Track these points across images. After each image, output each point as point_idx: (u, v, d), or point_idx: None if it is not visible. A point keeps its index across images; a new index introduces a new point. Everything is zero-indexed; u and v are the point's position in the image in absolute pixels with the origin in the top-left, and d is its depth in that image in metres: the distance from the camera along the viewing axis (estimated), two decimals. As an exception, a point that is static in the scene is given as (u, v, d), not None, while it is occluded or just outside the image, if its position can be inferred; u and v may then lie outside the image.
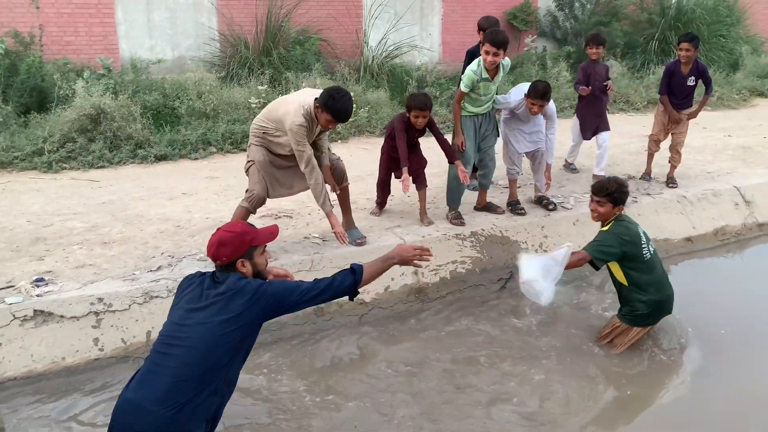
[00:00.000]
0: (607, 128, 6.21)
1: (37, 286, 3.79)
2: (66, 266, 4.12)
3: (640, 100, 10.38)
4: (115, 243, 4.57)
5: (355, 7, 10.47)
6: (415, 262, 2.72)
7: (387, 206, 5.37)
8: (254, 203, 4.30)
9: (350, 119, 4.03)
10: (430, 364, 3.74)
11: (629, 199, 5.61)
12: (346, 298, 2.69)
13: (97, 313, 3.67)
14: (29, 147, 6.55)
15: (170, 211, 5.22)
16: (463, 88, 4.88)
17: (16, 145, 6.58)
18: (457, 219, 5.07)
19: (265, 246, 2.67)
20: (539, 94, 4.88)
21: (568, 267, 3.67)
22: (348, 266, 2.67)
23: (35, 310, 3.56)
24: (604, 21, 11.75)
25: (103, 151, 6.69)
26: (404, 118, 4.83)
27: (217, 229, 2.61)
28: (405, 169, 4.67)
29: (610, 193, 3.77)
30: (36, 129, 6.90)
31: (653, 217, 5.58)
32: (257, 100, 7.90)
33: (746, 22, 13.46)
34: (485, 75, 4.80)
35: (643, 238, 3.79)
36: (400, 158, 4.72)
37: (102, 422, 3.13)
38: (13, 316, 3.50)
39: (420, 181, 5.07)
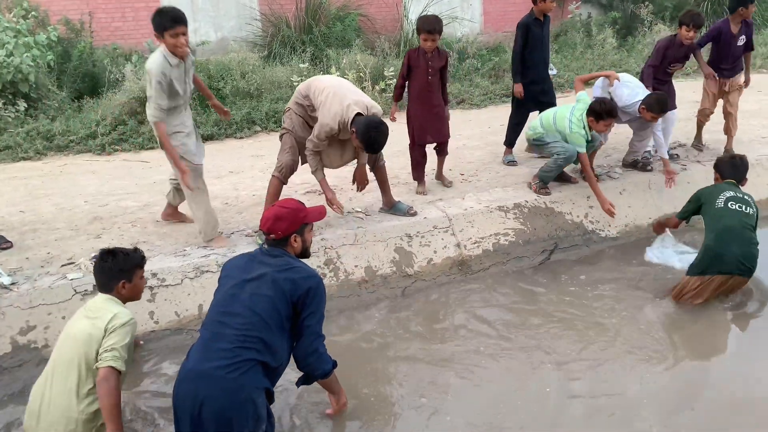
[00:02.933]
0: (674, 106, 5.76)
1: (96, 263, 3.98)
2: (121, 243, 4.31)
3: (690, 65, 9.95)
4: (166, 221, 4.73)
5: (394, -20, 10.37)
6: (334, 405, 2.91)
7: (428, 177, 5.32)
8: (284, 173, 4.33)
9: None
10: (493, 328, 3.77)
11: (679, 166, 5.51)
12: None
13: (151, 288, 3.83)
14: (83, 131, 6.82)
15: (218, 189, 5.36)
16: (583, 150, 4.82)
17: (71, 129, 6.86)
18: (543, 189, 5.05)
19: (313, 224, 2.83)
20: (661, 108, 4.92)
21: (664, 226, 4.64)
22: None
23: (94, 285, 3.74)
24: (653, -17, 11.29)
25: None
26: (411, 52, 4.89)
27: (273, 205, 2.76)
28: (394, 105, 5.03)
29: (715, 163, 4.37)
30: (89, 113, 7.17)
31: (704, 184, 5.37)
32: (299, 78, 7.97)
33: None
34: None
35: (725, 196, 4.03)
36: (394, 89, 5.02)
37: (161, 390, 3.30)
38: (75, 290, 3.70)
39: (441, 149, 5.16)
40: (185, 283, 3.93)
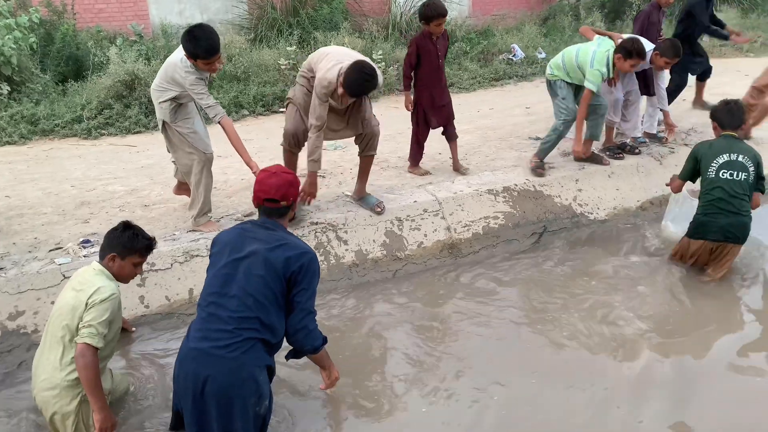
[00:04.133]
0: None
1: (84, 247, 3.95)
2: (110, 228, 4.26)
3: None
4: (155, 205, 4.70)
5: (382, -38, 10.28)
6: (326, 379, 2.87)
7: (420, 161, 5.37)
8: (289, 141, 4.27)
9: (373, 89, 3.84)
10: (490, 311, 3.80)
11: (666, 150, 5.55)
12: None
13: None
14: (69, 114, 6.73)
15: (206, 174, 5.31)
16: (594, 88, 4.79)
17: (56, 113, 6.76)
18: (540, 169, 5.09)
19: None
20: (675, 52, 5.02)
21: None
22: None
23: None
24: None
25: (139, 117, 6.83)
26: (418, 39, 4.88)
27: (271, 173, 2.65)
28: (406, 93, 5.03)
29: (712, 114, 4.19)
30: (74, 97, 7.07)
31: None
32: (287, 61, 7.91)
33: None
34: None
35: (719, 160, 3.97)
36: (404, 78, 4.99)
37: (152, 373, 3.30)
38: (63, 275, 3.67)
39: (450, 132, 5.14)
40: (175, 268, 3.91)
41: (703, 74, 6.86)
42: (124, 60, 7.07)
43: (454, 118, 5.19)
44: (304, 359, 2.80)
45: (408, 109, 5.10)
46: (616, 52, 4.76)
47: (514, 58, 9.35)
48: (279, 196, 2.61)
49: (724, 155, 3.97)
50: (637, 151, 5.54)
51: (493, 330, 3.65)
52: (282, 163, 4.32)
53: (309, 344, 2.62)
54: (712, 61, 6.97)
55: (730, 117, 4.09)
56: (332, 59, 3.88)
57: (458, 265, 4.40)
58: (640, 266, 4.32)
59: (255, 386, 2.43)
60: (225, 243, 2.60)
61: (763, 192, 4.08)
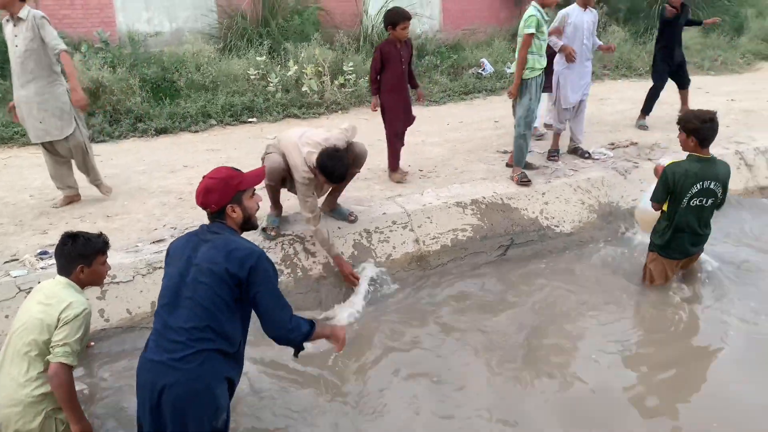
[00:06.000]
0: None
1: (41, 259, 3.83)
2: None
3: (643, 66, 10.27)
4: (118, 216, 4.59)
5: (353, -26, 10.32)
6: (336, 344, 2.77)
7: (387, 173, 5.41)
8: (274, 178, 4.05)
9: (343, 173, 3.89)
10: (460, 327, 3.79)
11: (630, 164, 5.68)
12: None
13: (101, 285, 3.70)
14: (29, 122, 6.53)
15: (172, 184, 5.23)
16: (530, 30, 4.85)
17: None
18: (525, 181, 5.15)
19: (254, 189, 2.64)
20: None
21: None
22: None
23: (39, 283, 3.60)
24: (607, -15, 11.56)
25: (104, 125, 6.70)
26: (382, 46, 4.95)
27: (203, 177, 2.58)
28: (375, 97, 5.08)
29: (681, 121, 3.92)
30: (35, 104, 6.87)
31: (655, 182, 5.55)
32: (256, 71, 7.86)
33: (752, -16, 13.24)
34: (546, 17, 4.91)
35: (695, 190, 3.85)
36: (371, 84, 5.07)
37: (112, 385, 3.20)
38: (18, 288, 3.54)
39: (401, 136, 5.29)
40: (137, 280, 3.81)
41: (682, 84, 7.12)
42: (88, 67, 6.93)
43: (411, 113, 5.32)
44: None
45: (373, 110, 5.19)
46: None
47: (483, 73, 9.46)
48: (199, 204, 2.55)
49: (698, 184, 3.84)
50: (587, 155, 5.80)
51: (462, 342, 3.64)
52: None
53: (298, 339, 2.54)
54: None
55: (712, 134, 3.83)
56: (296, 155, 3.89)
57: (426, 277, 4.40)
58: (605, 279, 4.37)
59: (211, 399, 2.36)
60: (176, 249, 2.55)
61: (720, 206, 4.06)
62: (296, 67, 7.99)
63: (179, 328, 2.36)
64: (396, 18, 4.87)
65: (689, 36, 11.08)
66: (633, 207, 5.32)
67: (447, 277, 4.39)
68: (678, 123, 3.94)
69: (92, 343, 3.51)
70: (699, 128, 3.79)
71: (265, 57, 8.26)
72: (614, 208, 5.31)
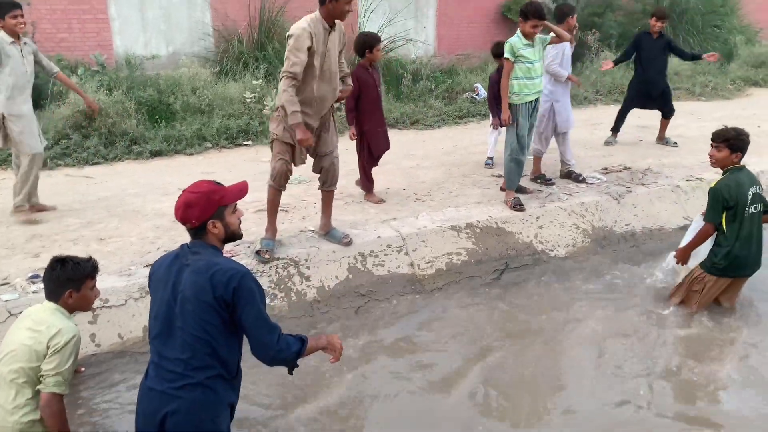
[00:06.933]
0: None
1: (33, 283, 3.79)
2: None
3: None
4: (111, 239, 4.57)
5: (349, 0, 10.44)
6: (332, 353, 2.64)
7: (382, 196, 5.44)
8: (278, 180, 4.19)
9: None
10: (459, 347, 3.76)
11: (624, 189, 5.72)
12: None
13: (93, 309, 3.67)
14: (24, 144, 6.52)
15: (166, 207, 5.21)
16: (508, 54, 4.97)
17: (10, 143, 6.55)
18: (519, 206, 5.18)
19: (236, 204, 2.52)
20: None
21: (698, 244, 4.11)
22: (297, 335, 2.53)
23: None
24: (598, 11, 11.75)
25: (98, 148, 6.69)
26: (357, 72, 4.96)
27: (183, 191, 2.45)
28: (352, 127, 5.17)
29: (727, 139, 3.96)
30: (30, 126, 6.87)
31: (648, 207, 5.60)
32: (252, 95, 7.90)
33: (740, 12, 13.47)
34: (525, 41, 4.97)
35: (750, 196, 3.93)
36: (348, 113, 5.14)
37: (104, 411, 3.14)
38: (9, 312, 3.50)
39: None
40: (129, 304, 3.78)
41: (667, 113, 7.26)
42: (84, 90, 6.94)
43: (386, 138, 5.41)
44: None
45: (352, 139, 5.24)
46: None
47: (477, 97, 9.55)
48: (179, 219, 2.42)
49: (751, 190, 3.94)
50: (581, 178, 5.86)
51: (456, 367, 3.61)
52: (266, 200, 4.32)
53: (290, 358, 2.43)
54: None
55: (747, 144, 4.02)
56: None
57: (421, 301, 4.37)
58: (603, 303, 4.36)
59: (212, 426, 2.32)
60: (158, 276, 2.43)
61: None
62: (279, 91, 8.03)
63: (176, 359, 2.30)
64: (373, 41, 5.08)
65: (680, 63, 11.25)
66: (627, 231, 5.36)
67: (441, 302, 4.37)
68: (722, 141, 4.00)
69: (83, 369, 3.46)
70: (746, 143, 4.00)
71: (261, 80, 8.31)
72: (608, 233, 5.32)
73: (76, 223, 4.85)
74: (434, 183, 5.94)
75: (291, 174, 4.26)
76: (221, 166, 6.50)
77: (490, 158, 6.52)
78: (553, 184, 5.81)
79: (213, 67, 9.05)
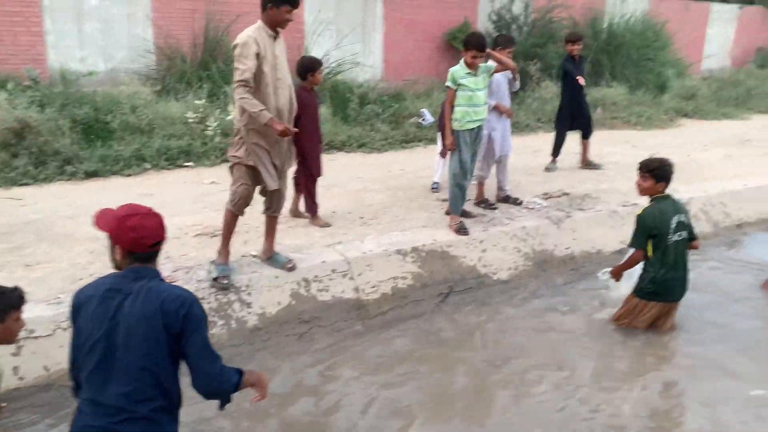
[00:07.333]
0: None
1: (-50, 312, 3.52)
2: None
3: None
4: (40, 265, 4.32)
5: (295, 23, 10.44)
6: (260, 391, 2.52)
7: (328, 220, 5.38)
8: (238, 205, 4.07)
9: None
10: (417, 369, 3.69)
11: (563, 214, 5.86)
12: None
13: (17, 340, 3.43)
14: (-54, 162, 6.16)
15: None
16: (449, 82, 5.10)
17: (-70, 161, 6.17)
18: (463, 230, 5.22)
19: None
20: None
21: (629, 267, 4.31)
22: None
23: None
24: (540, 42, 12.15)
25: (28, 168, 6.36)
26: (300, 93, 4.79)
27: (143, 213, 2.32)
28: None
29: (651, 169, 4.17)
30: (-47, 143, 6.50)
31: (586, 231, 5.75)
32: (195, 115, 7.73)
33: (672, 47, 14.23)
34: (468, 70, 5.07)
35: (673, 225, 4.10)
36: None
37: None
38: None
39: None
40: (57, 334, 3.56)
41: (588, 133, 7.63)
42: (14, 106, 6.63)
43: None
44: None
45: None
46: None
47: (423, 122, 9.66)
48: (154, 240, 2.31)
49: (675, 218, 4.11)
50: (519, 201, 6.06)
51: (401, 396, 3.56)
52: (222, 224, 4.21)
53: (230, 390, 2.34)
54: (603, 133, 7.56)
55: (671, 174, 4.22)
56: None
57: (365, 326, 4.32)
58: (543, 326, 4.42)
59: None
60: (91, 309, 2.23)
61: (696, 238, 4.30)
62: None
63: (117, 394, 2.16)
64: (315, 65, 5.15)
65: (617, 92, 11.77)
66: (567, 255, 5.48)
67: (386, 328, 4.33)
68: (647, 171, 4.19)
69: (4, 404, 3.23)
70: (670, 173, 4.20)
71: (204, 100, 8.14)
72: (548, 256, 5.43)
73: (1, 248, 4.57)
74: (381, 206, 5.93)
75: (252, 198, 4.15)
76: (161, 187, 6.30)
77: (437, 182, 6.58)
78: (496, 208, 5.91)
79: (154, 86, 8.82)
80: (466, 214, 5.55)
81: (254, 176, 4.06)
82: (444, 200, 6.03)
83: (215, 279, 4.10)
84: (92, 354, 2.20)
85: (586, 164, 7.75)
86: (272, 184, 4.08)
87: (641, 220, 4.14)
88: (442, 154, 6.32)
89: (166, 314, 2.19)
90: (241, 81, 3.81)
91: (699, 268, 5.17)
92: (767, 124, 11.92)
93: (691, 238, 4.24)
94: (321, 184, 5.36)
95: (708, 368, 3.91)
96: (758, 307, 4.81)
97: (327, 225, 5.29)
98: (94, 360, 2.20)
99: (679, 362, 4.05)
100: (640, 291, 4.25)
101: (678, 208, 4.21)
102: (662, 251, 4.12)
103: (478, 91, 5.08)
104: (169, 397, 2.25)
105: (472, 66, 5.03)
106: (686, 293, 4.29)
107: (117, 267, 2.34)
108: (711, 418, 3.44)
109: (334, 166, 7.47)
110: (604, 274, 4.57)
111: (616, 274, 4.40)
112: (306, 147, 5.07)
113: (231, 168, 4.14)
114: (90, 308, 2.23)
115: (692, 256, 4.37)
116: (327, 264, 4.55)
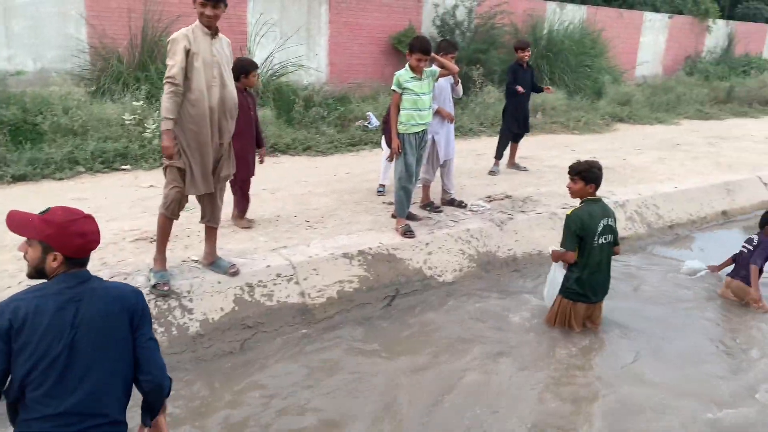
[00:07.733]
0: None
1: None
2: None
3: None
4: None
5: (238, 24, 10.26)
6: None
7: (273, 224, 5.26)
8: (171, 208, 3.94)
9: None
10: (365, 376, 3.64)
11: (506, 216, 5.96)
12: None
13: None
14: None
15: (29, 236, 4.72)
16: (394, 86, 5.12)
17: None
18: (409, 233, 5.22)
19: None
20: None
21: (560, 259, 4.36)
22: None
23: None
24: (482, 48, 12.36)
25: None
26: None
27: (83, 216, 2.22)
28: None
29: (579, 171, 4.24)
30: None
31: (528, 233, 5.87)
32: (132, 117, 7.46)
33: (608, 55, 14.77)
34: (413, 74, 5.08)
35: (600, 228, 4.20)
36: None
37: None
38: None
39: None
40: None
41: (516, 137, 7.87)
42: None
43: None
44: None
45: None
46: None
47: (369, 126, 9.66)
48: (96, 245, 2.25)
49: (602, 222, 4.21)
50: (463, 204, 6.13)
51: (350, 402, 3.52)
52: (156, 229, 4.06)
53: (169, 384, 2.27)
54: (543, 137, 7.76)
55: (600, 176, 4.29)
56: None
57: (311, 331, 4.25)
58: (484, 327, 4.47)
59: None
60: (42, 322, 2.05)
61: (618, 244, 4.44)
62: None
63: (86, 401, 2.07)
64: (249, 66, 5.09)
65: (556, 98, 12.10)
66: (509, 256, 5.57)
67: (332, 331, 4.28)
68: (576, 174, 4.26)
69: None
70: (598, 175, 4.26)
71: (142, 102, 7.87)
72: (492, 258, 5.51)
73: None
74: (326, 210, 5.87)
75: (186, 202, 4.04)
76: (95, 191, 6.04)
77: (382, 185, 6.57)
78: (441, 211, 5.95)
79: (88, 86, 8.45)
80: (411, 217, 5.56)
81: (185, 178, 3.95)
82: (390, 203, 6.04)
83: (154, 286, 3.96)
84: (52, 368, 2.05)
85: (513, 166, 7.97)
86: (191, 191, 3.95)
87: (569, 221, 4.23)
88: (389, 159, 6.32)
89: (129, 310, 2.19)
90: (168, 77, 3.72)
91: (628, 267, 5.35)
92: (695, 128, 12.54)
93: (615, 243, 4.37)
94: (265, 187, 5.26)
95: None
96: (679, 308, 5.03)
97: (249, 227, 5.20)
98: (54, 375, 2.05)
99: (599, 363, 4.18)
100: (566, 291, 4.35)
101: (607, 211, 4.31)
102: (587, 252, 4.23)
103: (423, 95, 5.11)
104: (129, 395, 2.23)
105: (417, 70, 5.06)
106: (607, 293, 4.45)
107: (42, 275, 2.20)
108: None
109: (278, 169, 7.36)
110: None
111: (555, 258, 4.42)
112: (236, 147, 4.95)
113: (164, 170, 4.01)
114: (41, 321, 2.05)
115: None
116: (272, 269, 4.46)
